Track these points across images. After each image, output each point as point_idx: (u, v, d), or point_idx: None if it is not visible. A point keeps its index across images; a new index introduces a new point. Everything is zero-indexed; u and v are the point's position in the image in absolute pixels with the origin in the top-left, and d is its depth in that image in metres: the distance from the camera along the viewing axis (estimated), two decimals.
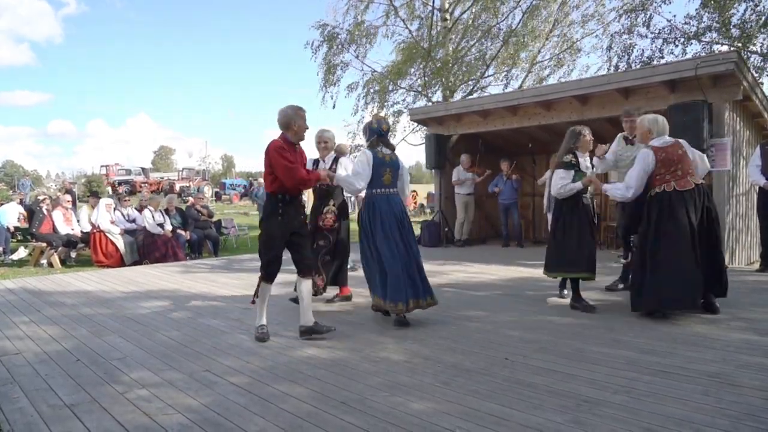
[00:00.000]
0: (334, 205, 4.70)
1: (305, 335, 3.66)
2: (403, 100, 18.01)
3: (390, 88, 17.79)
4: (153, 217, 9.09)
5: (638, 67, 14.12)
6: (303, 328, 3.68)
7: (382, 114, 17.59)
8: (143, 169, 39.72)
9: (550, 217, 8.94)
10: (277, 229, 3.67)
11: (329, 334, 3.67)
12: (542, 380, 2.79)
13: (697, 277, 3.93)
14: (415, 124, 14.91)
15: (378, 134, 4.20)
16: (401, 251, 4.02)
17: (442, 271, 6.79)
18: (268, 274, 3.74)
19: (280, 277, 4.17)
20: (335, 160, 4.73)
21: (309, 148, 4.91)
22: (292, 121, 3.70)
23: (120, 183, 33.68)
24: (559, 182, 4.48)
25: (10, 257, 9.25)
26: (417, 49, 16.93)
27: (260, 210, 18.54)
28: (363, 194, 4.26)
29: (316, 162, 4.76)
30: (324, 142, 4.75)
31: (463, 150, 9.85)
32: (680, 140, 4.26)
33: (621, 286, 5.16)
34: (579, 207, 4.51)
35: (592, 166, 4.85)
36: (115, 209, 9.22)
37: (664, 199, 4.06)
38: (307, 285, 3.76)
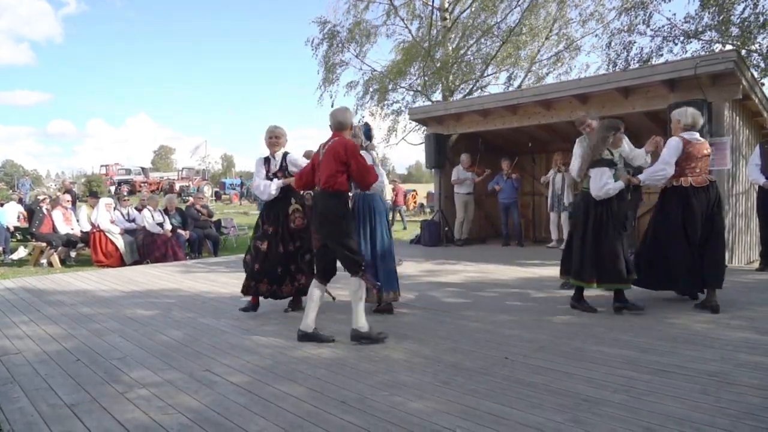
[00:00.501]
0: (297, 203, 4.47)
1: (303, 340, 3.61)
2: (403, 99, 18.03)
3: (390, 87, 17.79)
4: (153, 216, 9.09)
5: (637, 65, 14.13)
6: (301, 332, 3.63)
7: (378, 115, 17.75)
8: (143, 168, 39.72)
9: (553, 216, 9.03)
10: (353, 228, 3.78)
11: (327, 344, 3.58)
12: (542, 379, 2.79)
13: (694, 271, 4.22)
14: (415, 123, 14.90)
15: (370, 139, 4.57)
16: (390, 244, 4.43)
17: (442, 270, 6.80)
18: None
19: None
20: (284, 157, 4.47)
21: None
22: (351, 123, 3.84)
23: (120, 183, 33.69)
24: (607, 182, 4.07)
25: (9, 257, 9.25)
26: (417, 49, 16.93)
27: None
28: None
29: (267, 159, 4.49)
30: (276, 137, 4.45)
31: (463, 149, 9.85)
32: (707, 142, 4.50)
33: None
34: (615, 209, 4.18)
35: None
36: (114, 209, 9.22)
37: (679, 194, 4.28)
38: (321, 291, 3.72)
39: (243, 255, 4.84)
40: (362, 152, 4.23)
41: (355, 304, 3.56)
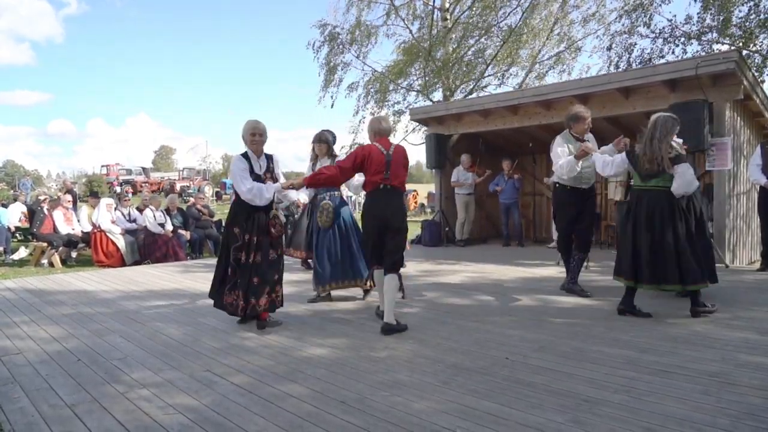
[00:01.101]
0: (274, 209, 4.13)
1: (388, 333, 3.78)
2: (404, 99, 18.03)
3: (390, 87, 17.80)
4: (154, 216, 9.09)
5: (638, 66, 14.11)
6: (387, 326, 3.81)
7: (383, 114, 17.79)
8: (144, 168, 39.72)
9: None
10: None
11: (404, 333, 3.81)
12: (542, 380, 2.79)
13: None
14: (416, 123, 14.90)
15: (334, 144, 5.05)
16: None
17: (443, 270, 6.80)
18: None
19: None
20: (271, 159, 4.15)
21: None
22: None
23: (121, 183, 33.68)
24: (695, 177, 3.96)
25: (11, 257, 9.27)
26: (418, 49, 16.93)
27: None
28: (305, 197, 4.90)
29: (246, 157, 4.02)
30: (260, 135, 4.02)
31: (463, 149, 9.85)
32: None
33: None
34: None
35: None
36: (115, 209, 9.23)
37: None
38: (395, 280, 3.94)
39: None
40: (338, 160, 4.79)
41: (389, 300, 3.85)
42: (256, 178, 3.95)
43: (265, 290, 3.93)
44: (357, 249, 4.76)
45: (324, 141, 4.93)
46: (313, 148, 5.03)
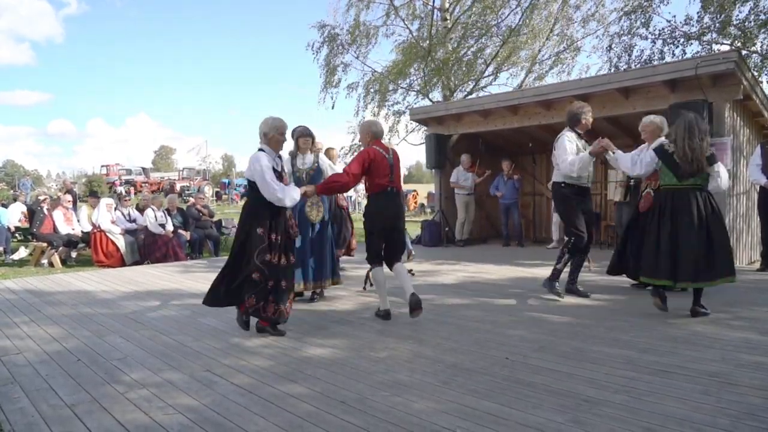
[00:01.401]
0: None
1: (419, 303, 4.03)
2: (404, 99, 18.02)
3: (390, 87, 17.79)
4: (155, 216, 9.09)
5: (638, 67, 14.12)
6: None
7: (379, 115, 17.82)
8: (144, 168, 39.76)
9: (556, 217, 8.96)
10: None
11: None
12: (542, 380, 2.79)
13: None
14: (416, 123, 14.89)
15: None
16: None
17: (442, 270, 6.80)
18: None
19: None
20: (280, 158, 4.04)
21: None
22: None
23: (123, 183, 33.69)
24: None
25: (10, 257, 9.26)
26: (417, 49, 16.92)
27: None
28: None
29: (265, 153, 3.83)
30: (285, 134, 3.96)
31: (463, 150, 9.85)
32: None
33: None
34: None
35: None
36: (115, 209, 9.23)
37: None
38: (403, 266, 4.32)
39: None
40: (321, 155, 5.00)
41: (408, 279, 4.23)
42: (277, 176, 3.78)
43: (290, 297, 3.81)
44: (332, 253, 4.95)
45: (310, 135, 4.81)
46: (297, 142, 4.83)
